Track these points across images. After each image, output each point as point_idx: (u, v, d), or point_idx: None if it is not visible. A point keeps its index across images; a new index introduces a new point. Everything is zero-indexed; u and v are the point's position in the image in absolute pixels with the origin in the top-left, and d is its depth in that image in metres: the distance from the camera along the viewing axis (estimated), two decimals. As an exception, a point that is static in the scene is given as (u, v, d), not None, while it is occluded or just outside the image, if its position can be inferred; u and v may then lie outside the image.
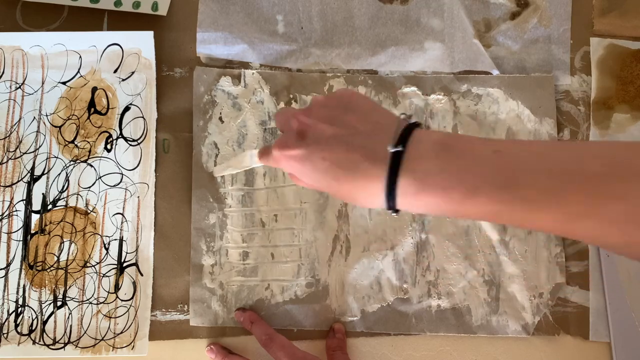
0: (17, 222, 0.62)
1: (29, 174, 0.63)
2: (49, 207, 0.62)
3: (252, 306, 0.62)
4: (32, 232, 0.62)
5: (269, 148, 0.47)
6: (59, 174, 0.63)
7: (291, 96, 0.64)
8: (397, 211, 0.39)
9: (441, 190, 0.36)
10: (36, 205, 0.62)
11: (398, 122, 0.40)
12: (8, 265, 0.61)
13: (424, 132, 0.39)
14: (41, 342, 0.60)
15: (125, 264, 0.62)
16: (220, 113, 0.64)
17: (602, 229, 0.34)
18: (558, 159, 0.36)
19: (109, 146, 0.64)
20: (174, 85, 0.65)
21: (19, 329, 0.60)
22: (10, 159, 0.63)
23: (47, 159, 0.63)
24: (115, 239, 0.62)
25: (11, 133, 0.63)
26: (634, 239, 0.33)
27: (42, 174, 0.63)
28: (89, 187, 0.63)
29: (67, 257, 0.62)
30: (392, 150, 0.37)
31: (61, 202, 0.62)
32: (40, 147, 0.63)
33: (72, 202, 0.63)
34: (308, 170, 0.41)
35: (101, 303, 0.61)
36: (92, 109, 0.64)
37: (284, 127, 0.45)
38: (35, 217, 0.62)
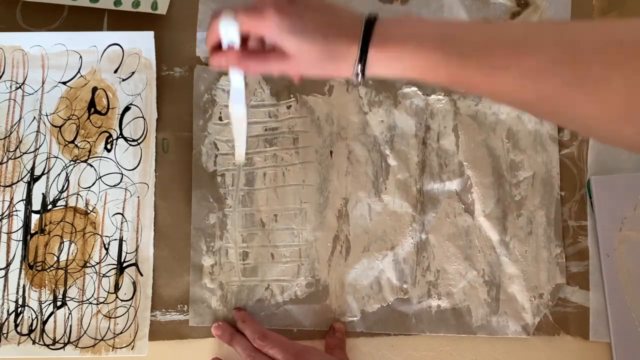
0: (17, 222, 0.62)
1: (29, 174, 0.63)
2: (49, 207, 0.62)
3: (252, 306, 0.62)
4: (32, 232, 0.62)
5: (252, 6, 0.47)
6: (59, 174, 0.63)
7: (291, 96, 0.64)
8: (363, 74, 0.45)
9: (399, 43, 0.44)
10: (36, 205, 0.62)
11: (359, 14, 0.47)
12: (8, 265, 0.61)
13: (385, 17, 0.46)
14: (41, 342, 0.60)
15: (125, 264, 0.62)
16: (220, 112, 0.64)
17: (519, 80, 0.40)
18: (490, 27, 0.43)
19: (109, 146, 0.64)
20: (174, 85, 0.65)
21: (18, 329, 0.60)
22: (10, 158, 0.63)
23: (47, 158, 0.63)
24: (115, 239, 0.62)
25: (11, 133, 0.63)
26: (543, 93, 0.39)
27: (42, 174, 0.63)
28: (89, 187, 0.63)
29: (67, 257, 0.62)
30: (366, 18, 0.45)
31: (61, 202, 0.62)
32: (40, 147, 0.63)
33: (72, 202, 0.63)
34: (298, 25, 0.45)
35: (101, 303, 0.61)
36: (92, 109, 0.64)
37: None
38: (35, 217, 0.62)
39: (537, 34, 0.41)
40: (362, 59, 0.45)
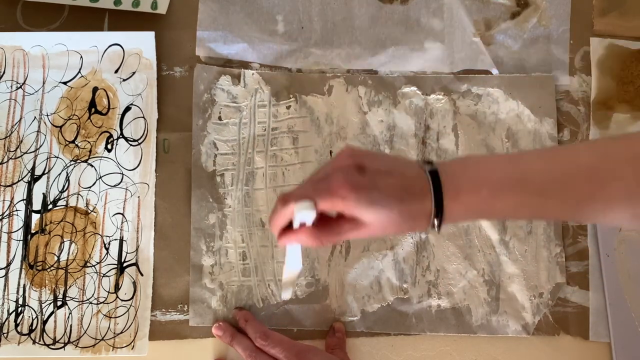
0: (18, 221, 0.62)
1: (29, 174, 0.63)
2: (50, 207, 0.62)
3: (251, 306, 0.62)
4: (33, 231, 0.62)
5: (325, 187, 0.44)
6: (60, 174, 0.63)
7: (291, 96, 0.65)
8: (440, 225, 0.44)
9: (472, 192, 0.44)
10: (36, 205, 0.62)
11: (417, 163, 0.46)
12: (8, 265, 0.61)
13: (441, 162, 0.46)
14: (41, 342, 0.60)
15: (125, 264, 0.62)
16: (220, 112, 0.64)
17: (609, 206, 0.42)
18: (556, 156, 0.45)
19: (109, 146, 0.64)
20: (174, 85, 0.65)
21: (19, 328, 0.61)
22: (10, 158, 0.63)
23: (47, 158, 0.63)
24: (116, 239, 0.62)
25: (12, 133, 0.64)
26: (638, 210, 0.41)
27: (43, 173, 0.63)
28: (90, 187, 0.63)
29: (67, 257, 0.62)
30: (429, 170, 0.45)
31: (61, 202, 0.63)
32: (40, 147, 0.63)
33: (72, 202, 0.63)
34: (375, 196, 0.43)
35: (101, 303, 0.61)
36: (93, 109, 0.64)
37: (333, 168, 0.45)
38: (35, 217, 0.62)
39: (605, 156, 0.43)
40: (438, 213, 0.44)
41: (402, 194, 0.44)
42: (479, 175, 0.44)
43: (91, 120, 0.64)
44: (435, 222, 0.44)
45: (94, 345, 0.60)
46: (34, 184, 0.63)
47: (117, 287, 0.61)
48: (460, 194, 0.44)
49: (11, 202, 0.62)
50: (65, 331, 0.61)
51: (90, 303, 0.61)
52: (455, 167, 0.45)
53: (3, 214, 0.62)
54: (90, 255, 0.62)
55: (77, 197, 0.63)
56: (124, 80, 0.64)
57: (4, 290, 0.61)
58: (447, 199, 0.44)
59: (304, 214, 0.43)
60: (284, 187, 0.63)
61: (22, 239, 0.62)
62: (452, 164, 0.46)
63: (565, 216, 0.45)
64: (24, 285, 0.61)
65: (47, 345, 0.60)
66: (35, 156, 0.63)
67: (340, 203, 0.43)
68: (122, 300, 0.61)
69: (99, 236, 0.62)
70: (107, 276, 0.62)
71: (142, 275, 0.62)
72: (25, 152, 0.63)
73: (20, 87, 0.64)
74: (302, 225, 0.45)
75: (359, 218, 0.44)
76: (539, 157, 0.46)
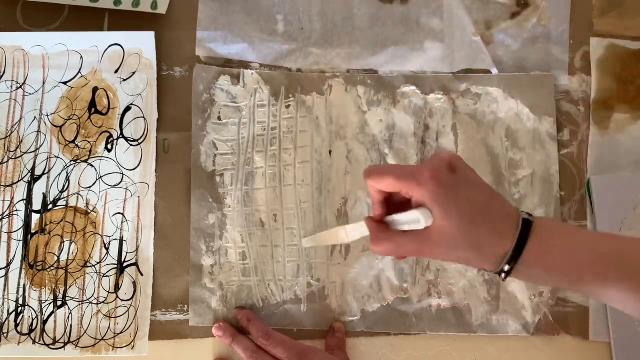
0: (18, 221, 0.62)
1: (29, 174, 0.63)
2: (50, 206, 0.63)
3: (252, 306, 0.62)
4: (33, 231, 0.62)
5: (410, 170, 0.44)
6: (60, 174, 0.63)
7: (291, 96, 0.65)
8: (508, 273, 0.42)
9: (564, 254, 0.42)
10: (36, 205, 0.63)
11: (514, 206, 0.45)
12: (8, 264, 0.62)
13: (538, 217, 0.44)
14: (41, 342, 0.60)
15: (125, 264, 0.62)
16: (219, 112, 0.64)
17: None
18: None
19: (109, 146, 0.64)
20: (174, 85, 0.65)
21: (19, 328, 0.61)
22: (10, 158, 0.63)
23: (47, 158, 0.63)
24: (116, 239, 0.62)
25: (12, 133, 0.64)
26: None
27: (43, 173, 0.63)
28: (90, 187, 0.63)
29: (68, 257, 0.62)
30: (523, 217, 0.42)
31: (61, 202, 0.63)
32: (40, 147, 0.63)
33: (72, 202, 0.63)
34: (450, 201, 0.42)
35: (101, 303, 0.61)
36: (93, 109, 0.64)
37: (426, 161, 0.46)
38: (35, 217, 0.62)
39: None
40: (514, 258, 0.41)
41: (481, 217, 0.42)
42: (576, 239, 0.42)
43: (91, 120, 0.64)
44: (506, 267, 0.42)
45: (94, 345, 0.60)
46: (34, 184, 0.63)
47: (117, 287, 0.61)
48: (550, 252, 0.41)
49: (11, 202, 0.63)
50: (65, 331, 0.61)
51: (90, 303, 0.61)
52: (552, 223, 0.44)
53: (3, 214, 0.62)
54: (90, 255, 0.62)
55: (77, 197, 0.63)
56: (124, 80, 0.65)
57: (4, 290, 0.61)
58: (530, 250, 0.41)
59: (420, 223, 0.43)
60: (283, 187, 0.63)
61: (22, 239, 0.62)
62: (551, 221, 0.45)
63: None
64: (24, 285, 0.61)
65: (47, 345, 0.60)
66: (35, 156, 0.63)
67: (415, 188, 0.42)
68: (122, 300, 0.61)
69: (99, 236, 0.62)
70: (107, 276, 0.62)
71: (142, 275, 0.62)
72: (25, 152, 0.63)
73: (20, 87, 0.64)
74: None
75: (423, 215, 0.42)
76: (630, 240, 0.43)
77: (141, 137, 0.64)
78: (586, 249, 0.42)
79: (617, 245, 0.43)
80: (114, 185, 0.63)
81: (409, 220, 0.44)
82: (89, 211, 0.63)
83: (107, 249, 0.62)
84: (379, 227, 0.46)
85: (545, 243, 0.42)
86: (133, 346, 0.61)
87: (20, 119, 0.64)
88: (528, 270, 0.42)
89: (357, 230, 0.48)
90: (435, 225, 0.42)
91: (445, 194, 0.42)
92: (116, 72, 0.65)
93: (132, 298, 0.61)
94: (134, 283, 0.62)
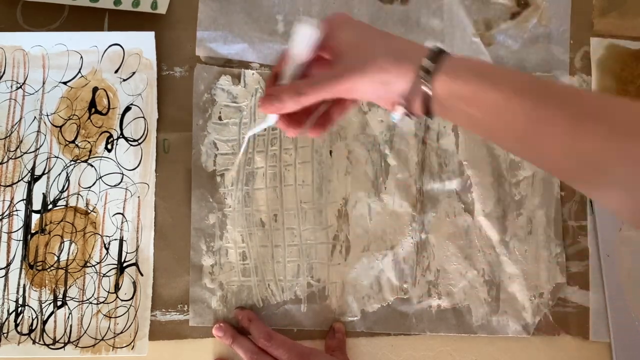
0: (18, 221, 0.62)
1: (29, 174, 0.63)
2: (50, 206, 0.62)
3: (252, 306, 0.62)
4: (33, 231, 0.62)
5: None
6: (60, 174, 0.63)
7: (291, 96, 0.65)
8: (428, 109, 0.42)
9: (474, 78, 0.40)
10: (36, 205, 0.62)
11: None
12: (8, 264, 0.61)
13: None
14: (41, 342, 0.60)
15: (125, 264, 0.62)
16: (220, 112, 0.64)
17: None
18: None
19: (109, 146, 0.64)
20: (174, 84, 0.65)
21: (19, 328, 0.61)
22: (10, 158, 0.63)
23: (47, 158, 0.63)
24: (116, 239, 0.62)
25: (12, 133, 0.63)
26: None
27: (43, 173, 0.63)
28: (90, 187, 0.63)
29: (67, 257, 0.62)
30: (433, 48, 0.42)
31: (61, 202, 0.63)
32: (40, 147, 0.63)
33: (72, 202, 0.63)
34: (366, 29, 0.44)
35: (101, 303, 0.61)
36: (93, 109, 0.64)
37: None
38: (35, 217, 0.62)
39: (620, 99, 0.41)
40: (438, 57, 0.41)
41: (397, 37, 0.44)
42: (484, 69, 0.41)
43: (91, 120, 0.64)
44: (430, 66, 0.41)
45: (94, 345, 0.60)
46: (34, 184, 0.63)
47: (117, 287, 0.61)
48: (459, 76, 0.40)
49: (11, 202, 0.62)
50: (65, 331, 0.61)
51: (90, 303, 0.61)
52: (461, 58, 0.43)
53: (3, 214, 0.62)
54: (90, 255, 0.62)
55: (77, 197, 0.63)
56: (124, 80, 0.64)
57: (4, 290, 0.61)
58: (441, 74, 0.41)
59: (305, 31, 0.43)
60: (284, 187, 0.63)
61: (22, 239, 0.62)
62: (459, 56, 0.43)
63: (561, 133, 0.38)
64: (24, 285, 0.61)
65: (47, 345, 0.60)
66: (35, 156, 0.63)
67: (332, 21, 0.45)
68: (122, 300, 0.61)
69: (99, 236, 0.62)
70: (107, 276, 0.62)
71: (142, 275, 0.62)
72: (25, 152, 0.63)
73: (20, 87, 0.64)
74: (300, 52, 0.44)
75: (337, 41, 0.43)
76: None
77: (141, 137, 0.64)
78: (495, 74, 0.41)
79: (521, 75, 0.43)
80: (114, 185, 0.63)
81: (300, 38, 0.43)
82: (89, 211, 0.63)
83: (107, 249, 0.62)
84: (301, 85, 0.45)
85: (462, 56, 0.43)
86: (133, 346, 0.61)
87: (20, 119, 0.64)
88: (453, 70, 0.41)
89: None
90: (342, 47, 0.43)
91: (360, 23, 0.45)
92: (116, 72, 0.65)
93: (132, 298, 0.61)
94: (134, 283, 0.61)
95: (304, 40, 0.44)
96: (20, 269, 0.61)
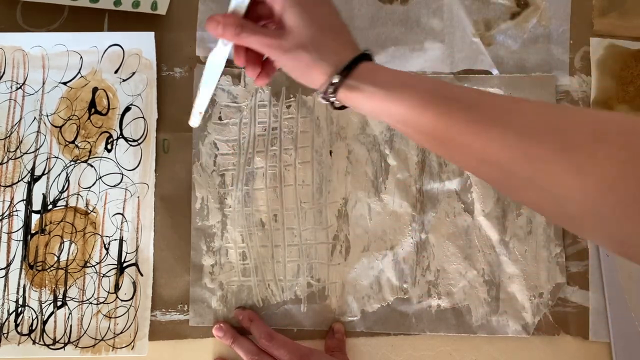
0: (18, 222, 0.62)
1: (29, 174, 0.63)
2: (49, 207, 0.62)
3: (252, 306, 0.62)
4: (32, 232, 0.62)
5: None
6: (59, 174, 0.63)
7: (291, 96, 0.65)
8: (340, 83, 0.45)
9: (388, 77, 0.44)
10: (36, 205, 0.62)
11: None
12: (8, 265, 0.61)
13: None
14: (41, 342, 0.60)
15: (125, 264, 0.62)
16: (220, 112, 0.64)
17: (506, 138, 0.38)
18: (478, 91, 0.43)
19: (109, 146, 0.64)
20: (174, 85, 0.65)
21: (19, 328, 0.61)
22: (10, 159, 0.63)
23: (47, 159, 0.63)
24: (115, 239, 0.62)
25: (12, 133, 0.64)
26: (530, 153, 0.37)
27: (43, 174, 0.63)
28: (89, 187, 0.63)
29: (67, 257, 0.62)
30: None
31: (61, 202, 0.63)
32: (40, 147, 0.63)
33: (72, 202, 0.63)
34: (306, 8, 0.47)
35: (101, 303, 0.61)
36: (93, 109, 0.64)
37: None
38: (35, 217, 0.62)
39: (523, 102, 0.41)
40: (352, 65, 0.45)
41: (330, 28, 0.47)
42: (401, 74, 0.45)
43: (91, 121, 0.64)
44: (342, 70, 0.45)
45: (94, 346, 0.60)
46: (34, 184, 0.63)
47: (117, 287, 0.61)
48: (381, 69, 0.45)
49: (11, 202, 0.62)
50: (65, 331, 0.61)
51: (90, 303, 0.61)
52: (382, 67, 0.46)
53: (3, 214, 0.62)
54: (90, 256, 0.62)
55: (77, 197, 0.63)
56: (123, 80, 0.64)
57: (4, 290, 0.61)
58: (367, 64, 0.45)
59: None
60: (284, 187, 0.63)
61: (22, 239, 0.62)
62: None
63: (460, 137, 0.40)
64: (24, 285, 0.61)
65: (47, 346, 0.60)
66: (35, 156, 0.63)
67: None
68: (122, 301, 0.61)
69: (99, 236, 0.62)
70: (107, 276, 0.62)
71: (142, 275, 0.62)
72: (25, 153, 0.63)
73: (20, 87, 0.64)
74: (235, 13, 0.49)
75: (283, 15, 0.47)
76: (463, 87, 0.45)
77: (141, 137, 0.64)
78: (414, 75, 0.47)
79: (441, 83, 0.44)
80: (114, 186, 0.63)
81: None
82: (89, 211, 0.63)
83: (107, 249, 0.62)
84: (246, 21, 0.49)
85: (378, 66, 0.46)
86: (133, 346, 0.61)
87: (20, 119, 0.64)
88: (359, 83, 0.44)
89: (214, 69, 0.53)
90: (288, 24, 0.46)
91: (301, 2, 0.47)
92: (116, 72, 0.65)
93: (132, 298, 0.61)
94: (134, 283, 0.62)
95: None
96: (20, 269, 0.61)
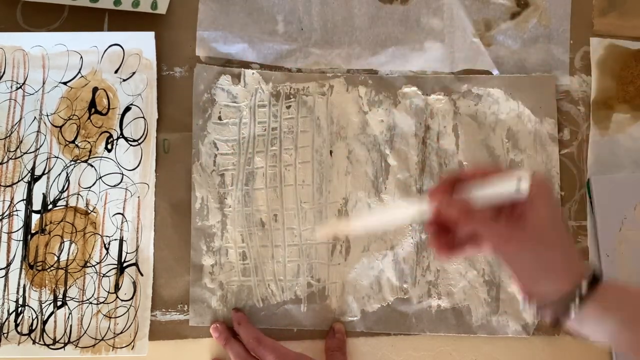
0: (18, 222, 0.62)
1: (29, 174, 0.63)
2: (50, 207, 0.62)
3: (251, 306, 0.62)
4: (33, 232, 0.62)
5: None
6: (60, 174, 0.63)
7: (291, 96, 0.65)
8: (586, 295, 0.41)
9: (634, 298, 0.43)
10: (36, 205, 0.62)
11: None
12: (8, 265, 0.61)
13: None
14: (41, 342, 0.60)
15: (125, 264, 0.62)
16: (220, 112, 0.64)
17: None
18: None
19: (109, 146, 0.64)
20: (174, 85, 0.65)
21: (19, 328, 0.61)
22: (10, 158, 0.63)
23: (47, 159, 0.63)
24: (116, 239, 0.62)
25: (12, 133, 0.64)
26: None
27: (43, 173, 0.63)
28: (90, 187, 0.63)
29: (67, 257, 0.62)
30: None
31: (61, 202, 0.63)
32: (40, 147, 0.63)
33: (72, 202, 0.63)
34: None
35: (101, 303, 0.61)
36: (93, 109, 0.64)
37: None
38: (35, 217, 0.62)
39: None
40: (598, 277, 0.42)
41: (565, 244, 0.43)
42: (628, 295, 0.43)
43: (91, 121, 0.64)
44: (589, 278, 0.41)
45: (94, 345, 0.60)
46: (34, 184, 0.63)
47: (117, 287, 0.61)
48: (623, 289, 0.43)
49: (11, 202, 0.62)
50: (65, 331, 0.61)
51: (90, 303, 0.61)
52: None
53: (3, 214, 0.62)
54: (90, 255, 0.62)
55: (77, 197, 0.63)
56: (124, 80, 0.64)
57: (4, 290, 0.61)
58: (606, 283, 0.42)
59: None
60: (284, 187, 0.63)
61: (22, 239, 0.62)
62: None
63: None
64: (24, 285, 0.61)
65: (47, 346, 0.60)
66: (35, 156, 0.63)
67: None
68: (122, 300, 0.61)
69: (99, 236, 0.62)
70: (107, 276, 0.62)
71: (142, 275, 0.62)
72: (25, 152, 0.63)
73: (20, 87, 0.64)
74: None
75: (521, 176, 0.41)
76: None
77: (141, 137, 0.64)
78: None
79: None
80: (114, 186, 0.63)
81: (499, 188, 0.41)
82: (89, 211, 0.63)
83: (107, 249, 0.62)
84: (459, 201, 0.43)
85: (616, 285, 0.43)
86: (133, 346, 0.61)
87: (20, 119, 0.64)
88: (602, 301, 0.41)
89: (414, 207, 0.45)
90: (534, 215, 0.41)
91: (554, 200, 0.44)
92: (116, 72, 0.65)
93: (132, 298, 0.61)
94: (134, 283, 0.62)
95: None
96: (20, 269, 0.61)
